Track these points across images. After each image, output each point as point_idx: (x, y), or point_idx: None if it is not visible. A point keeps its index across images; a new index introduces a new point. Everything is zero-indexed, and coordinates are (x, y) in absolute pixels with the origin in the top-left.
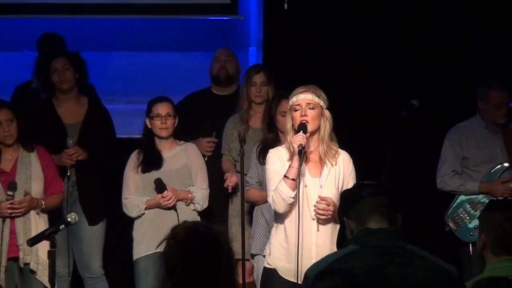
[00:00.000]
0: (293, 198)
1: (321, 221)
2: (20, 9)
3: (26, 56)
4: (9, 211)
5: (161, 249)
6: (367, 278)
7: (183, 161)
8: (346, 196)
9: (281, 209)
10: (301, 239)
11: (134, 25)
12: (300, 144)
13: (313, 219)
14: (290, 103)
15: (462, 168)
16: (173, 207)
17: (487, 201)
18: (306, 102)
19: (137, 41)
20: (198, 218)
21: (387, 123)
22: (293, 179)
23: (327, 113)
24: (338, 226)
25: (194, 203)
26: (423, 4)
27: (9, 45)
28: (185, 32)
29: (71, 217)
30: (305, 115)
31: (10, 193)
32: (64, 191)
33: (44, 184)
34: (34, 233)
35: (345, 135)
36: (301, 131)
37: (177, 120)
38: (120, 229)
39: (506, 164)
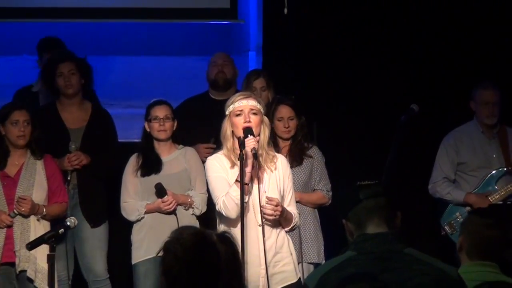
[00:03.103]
0: (245, 202)
1: (268, 224)
2: (20, 13)
3: (26, 61)
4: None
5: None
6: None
7: (182, 165)
8: (344, 198)
9: (234, 214)
10: (249, 246)
11: (134, 30)
12: (254, 147)
13: (259, 225)
14: (231, 108)
15: (459, 173)
16: (173, 212)
17: None
18: (250, 107)
19: (137, 45)
20: (197, 223)
21: (387, 127)
22: (245, 184)
23: (266, 119)
24: (283, 231)
25: (193, 208)
26: (423, 9)
27: (9, 49)
28: (185, 36)
29: (70, 221)
30: (249, 121)
31: (16, 212)
32: None
33: (48, 193)
34: (32, 240)
35: (345, 139)
36: (249, 134)
37: (175, 124)
38: (119, 233)
39: (502, 169)
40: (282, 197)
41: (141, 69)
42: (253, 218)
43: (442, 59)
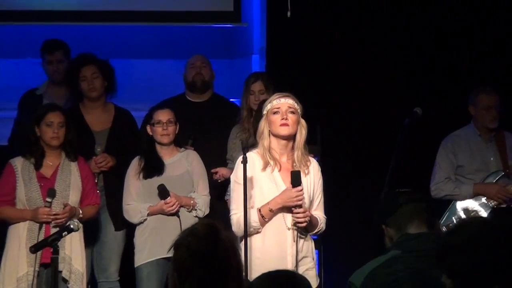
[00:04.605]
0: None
1: (299, 230)
2: (25, 16)
3: (31, 63)
4: (51, 217)
5: (165, 255)
6: (410, 281)
7: (185, 168)
8: (383, 204)
9: (240, 235)
10: (278, 249)
11: (137, 33)
12: (298, 223)
13: (289, 229)
14: (269, 107)
15: (457, 176)
16: (176, 213)
17: (481, 208)
18: (288, 105)
19: (140, 49)
20: None
21: (390, 130)
22: (265, 220)
23: (303, 121)
24: (309, 235)
25: (196, 210)
26: (427, 13)
27: (14, 52)
28: (188, 39)
29: (74, 223)
30: (286, 118)
31: (49, 199)
32: None
33: (81, 194)
34: (68, 241)
35: (348, 142)
36: (296, 184)
37: (177, 127)
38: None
39: (500, 172)
40: (311, 202)
41: (145, 72)
42: (282, 221)
43: (446, 62)
